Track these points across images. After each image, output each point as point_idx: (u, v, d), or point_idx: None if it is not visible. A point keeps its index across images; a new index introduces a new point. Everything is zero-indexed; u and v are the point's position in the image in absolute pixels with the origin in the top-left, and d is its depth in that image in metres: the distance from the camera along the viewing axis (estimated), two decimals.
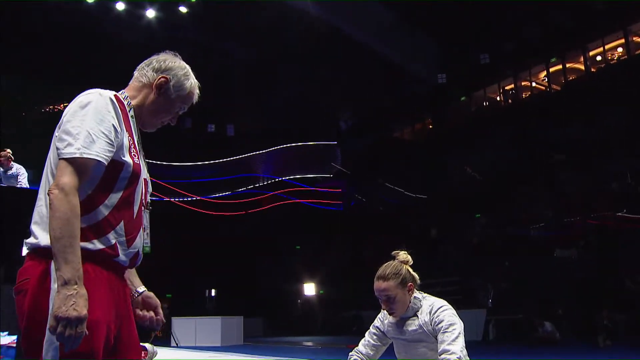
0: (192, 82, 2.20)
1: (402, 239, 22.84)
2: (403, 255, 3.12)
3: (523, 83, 27.56)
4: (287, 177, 34.65)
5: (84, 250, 1.79)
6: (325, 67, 27.60)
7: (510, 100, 28.04)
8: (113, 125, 1.89)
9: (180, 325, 16.58)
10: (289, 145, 34.81)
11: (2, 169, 8.18)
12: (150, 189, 2.18)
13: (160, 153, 28.07)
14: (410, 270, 3.06)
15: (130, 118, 2.04)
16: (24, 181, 8.36)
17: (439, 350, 2.78)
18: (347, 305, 25.67)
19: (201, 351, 13.59)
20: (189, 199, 31.52)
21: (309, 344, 18.91)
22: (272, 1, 23.83)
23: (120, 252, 1.92)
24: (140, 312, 2.18)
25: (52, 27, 23.06)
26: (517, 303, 16.29)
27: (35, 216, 1.88)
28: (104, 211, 1.88)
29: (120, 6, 23.45)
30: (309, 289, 29.58)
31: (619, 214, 17.92)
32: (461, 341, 2.80)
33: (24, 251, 1.86)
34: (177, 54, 2.23)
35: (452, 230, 23.79)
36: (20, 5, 21.13)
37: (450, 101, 30.07)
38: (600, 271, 16.39)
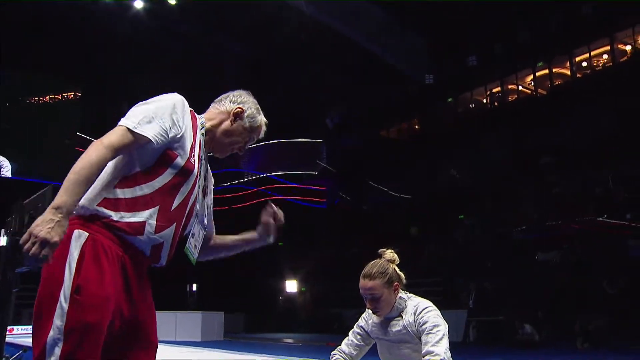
0: (262, 117, 2.43)
1: (385, 238, 22.96)
2: (390, 253, 3.06)
3: (510, 86, 27.71)
4: (272, 174, 34.59)
5: (109, 220, 1.92)
6: (314, 65, 27.55)
7: (496, 103, 28.18)
8: (174, 118, 2.05)
9: (161, 320, 16.19)
10: (274, 141, 34.73)
11: None
12: (207, 209, 2.34)
13: None
14: (397, 269, 3.01)
15: (200, 134, 2.20)
16: (7, 174, 8.25)
17: (422, 352, 2.75)
18: (329, 303, 25.70)
19: (181, 346, 13.51)
20: None
21: (290, 340, 18.92)
22: None
23: (145, 232, 1.97)
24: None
25: (37, 16, 22.76)
26: (498, 305, 16.39)
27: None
28: (145, 190, 1.98)
29: None
30: (291, 285, 29.55)
31: (600, 219, 18.09)
32: (445, 343, 2.77)
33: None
34: (250, 92, 2.46)
35: (435, 231, 23.87)
36: None
37: (437, 102, 30.15)
38: (580, 275, 16.53)
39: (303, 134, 34.40)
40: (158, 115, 1.99)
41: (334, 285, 25.32)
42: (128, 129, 1.93)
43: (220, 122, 2.31)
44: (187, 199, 2.09)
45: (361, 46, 27.64)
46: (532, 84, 26.65)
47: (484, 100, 29.09)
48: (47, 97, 30.57)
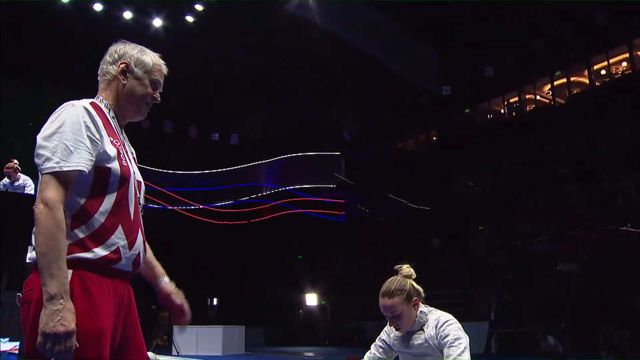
0: (151, 55, 2.22)
1: (404, 251, 22.87)
2: (406, 269, 3.09)
3: (527, 96, 27.57)
4: (290, 187, 34.66)
5: (87, 261, 1.84)
6: (330, 77, 27.68)
7: (514, 113, 28.03)
8: (89, 134, 1.90)
9: (182, 334, 16.52)
10: (292, 155, 34.84)
11: (9, 180, 8.17)
12: (143, 190, 2.19)
13: (163, 161, 28.21)
14: (414, 284, 3.04)
15: (111, 120, 2.06)
16: (30, 192, 8.34)
17: None
18: (349, 316, 25.61)
19: None
20: (192, 207, 31.54)
21: (310, 354, 18.87)
22: (279, 10, 23.93)
23: (122, 255, 1.95)
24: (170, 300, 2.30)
25: (60, 36, 23.15)
26: (520, 316, 16.24)
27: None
28: (100, 218, 1.90)
29: (127, 15, 23.58)
30: (311, 299, 29.51)
31: (623, 228, 17.87)
32: (467, 356, 2.80)
33: (29, 255, 1.92)
34: (124, 40, 2.25)
35: (455, 243, 23.72)
36: (26, 11, 21.23)
37: (455, 113, 30.09)
38: (603, 286, 16.32)
39: (321, 147, 34.48)
40: (76, 140, 1.85)
41: (354, 298, 25.25)
42: (55, 172, 1.80)
43: (116, 91, 2.12)
44: (135, 198, 2.05)
45: (377, 58, 27.71)
46: (550, 93, 26.49)
47: (502, 111, 28.97)
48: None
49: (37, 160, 1.85)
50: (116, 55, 2.16)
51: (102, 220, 1.90)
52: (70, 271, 1.79)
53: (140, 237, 2.04)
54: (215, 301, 27.43)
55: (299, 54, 26.23)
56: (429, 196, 27.79)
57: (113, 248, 1.91)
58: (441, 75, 29.42)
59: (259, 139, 33.04)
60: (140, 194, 2.14)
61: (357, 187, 33.67)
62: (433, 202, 27.53)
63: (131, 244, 1.98)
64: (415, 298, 2.98)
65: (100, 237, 1.89)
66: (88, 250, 1.86)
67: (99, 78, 2.18)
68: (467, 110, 29.97)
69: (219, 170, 33.82)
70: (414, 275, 3.06)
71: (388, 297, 2.95)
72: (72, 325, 1.68)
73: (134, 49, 2.19)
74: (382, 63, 27.69)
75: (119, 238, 1.93)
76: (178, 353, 15.62)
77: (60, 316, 1.66)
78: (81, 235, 1.86)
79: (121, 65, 2.13)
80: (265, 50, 26.69)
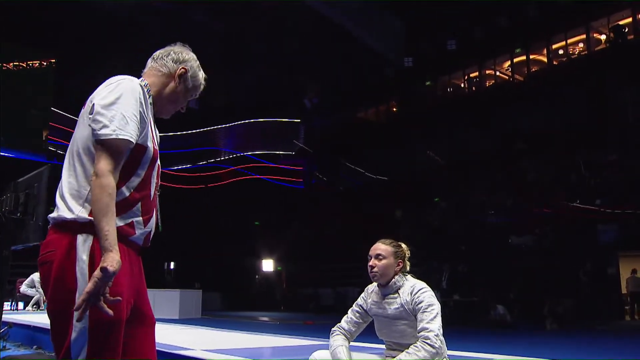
0: (202, 72, 2.39)
1: (360, 220, 23.17)
2: (404, 246, 3.34)
3: (487, 71, 28.00)
4: (249, 153, 34.56)
5: None
6: (293, 44, 27.46)
7: (474, 88, 28.47)
8: (141, 111, 2.02)
9: None
10: (252, 120, 34.65)
11: None
12: (159, 173, 2.27)
13: None
14: (407, 255, 3.27)
15: (149, 105, 2.16)
16: None
17: (418, 328, 2.96)
18: (305, 283, 25.97)
19: (160, 323, 13.59)
20: None
21: (266, 319, 19.11)
22: None
23: (136, 230, 2.04)
24: None
25: None
26: (472, 286, 16.79)
27: (61, 191, 1.99)
28: (125, 192, 2.00)
29: None
30: (267, 265, 29.75)
31: (573, 204, 18.58)
32: (439, 320, 2.99)
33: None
34: (186, 45, 2.39)
35: (411, 213, 24.20)
36: None
37: (416, 85, 30.34)
38: (551, 259, 17.00)
39: (281, 114, 34.36)
40: (132, 113, 1.97)
41: (310, 265, 25.59)
42: (110, 139, 1.90)
43: (164, 87, 2.25)
44: (157, 181, 2.17)
45: (340, 26, 27.57)
46: (510, 69, 26.98)
47: (462, 85, 29.38)
48: (11, 64, 29.52)
49: (93, 125, 1.94)
50: (180, 57, 2.30)
51: (127, 194, 2.00)
52: (92, 237, 1.90)
53: (154, 218, 2.15)
54: (172, 265, 27.42)
55: (263, 19, 25.90)
56: (388, 167, 28.16)
57: (129, 221, 2.01)
58: (404, 46, 29.52)
59: (219, 103, 32.68)
60: (159, 178, 2.23)
61: (316, 155, 33.81)
62: (391, 172, 27.92)
63: (146, 221, 2.08)
64: (401, 261, 3.19)
65: (121, 209, 1.97)
66: None
67: (151, 63, 2.30)
68: (428, 83, 30.24)
69: (178, 133, 33.42)
70: (409, 254, 3.29)
71: (382, 243, 3.25)
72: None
73: (195, 61, 2.35)
74: (346, 31, 27.58)
75: (136, 214, 2.03)
76: None
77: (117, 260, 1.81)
78: None
79: (181, 69, 2.28)
80: (229, 13, 26.23)
